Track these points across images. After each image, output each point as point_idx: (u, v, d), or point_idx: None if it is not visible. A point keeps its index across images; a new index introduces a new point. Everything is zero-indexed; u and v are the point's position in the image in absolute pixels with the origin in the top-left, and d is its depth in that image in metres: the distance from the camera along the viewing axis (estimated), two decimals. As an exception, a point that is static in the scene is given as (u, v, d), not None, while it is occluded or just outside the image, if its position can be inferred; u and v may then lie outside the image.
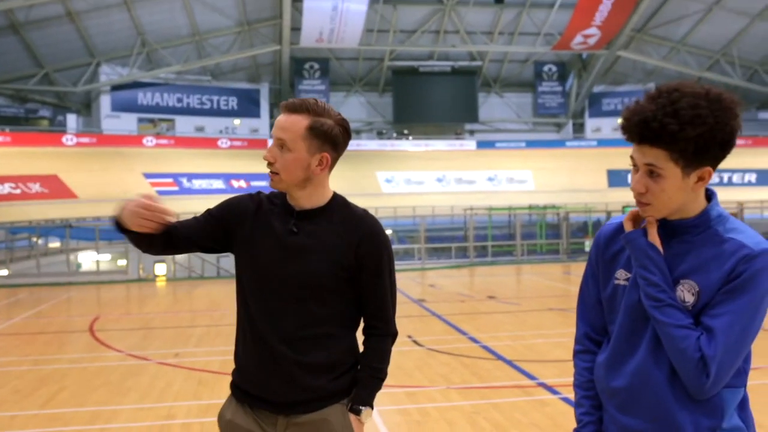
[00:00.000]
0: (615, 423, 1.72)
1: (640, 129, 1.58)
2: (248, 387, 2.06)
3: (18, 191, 34.15)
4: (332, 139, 2.01)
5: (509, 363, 7.04)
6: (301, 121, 1.97)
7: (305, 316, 2.00)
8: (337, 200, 2.09)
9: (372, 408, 2.06)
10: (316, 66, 46.44)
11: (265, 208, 2.09)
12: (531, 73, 49.27)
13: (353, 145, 46.22)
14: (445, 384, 6.22)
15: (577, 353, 1.87)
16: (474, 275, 16.57)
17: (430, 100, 47.75)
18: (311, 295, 2.00)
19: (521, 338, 8.41)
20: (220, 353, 7.73)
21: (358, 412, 2.03)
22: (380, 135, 49.12)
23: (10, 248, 20.44)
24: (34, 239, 21.43)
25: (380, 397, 5.61)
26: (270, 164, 2.00)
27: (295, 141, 1.97)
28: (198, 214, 2.13)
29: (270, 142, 2.25)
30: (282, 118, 2.01)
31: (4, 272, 18.08)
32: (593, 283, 1.84)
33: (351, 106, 48.98)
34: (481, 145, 48.63)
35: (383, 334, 2.10)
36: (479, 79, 48.55)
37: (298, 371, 1.99)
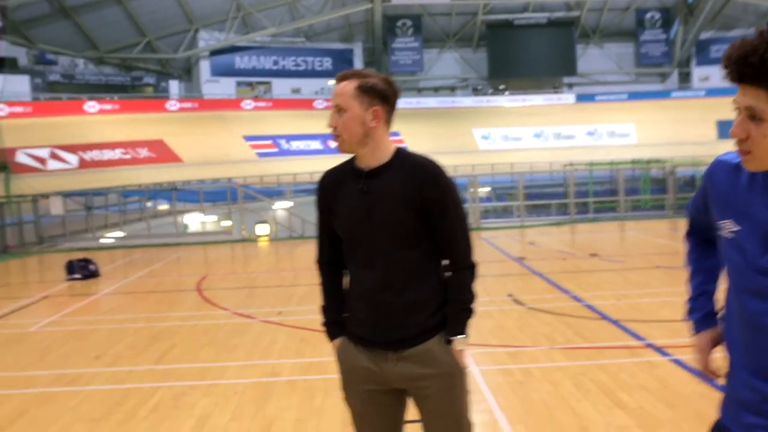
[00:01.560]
0: (736, 377, 1.63)
1: (739, 66, 1.41)
2: (360, 331, 2.38)
3: (128, 156, 35.79)
4: (380, 92, 2.27)
5: (614, 323, 6.82)
6: (350, 84, 2.27)
7: (392, 264, 2.29)
8: (400, 153, 2.33)
9: (465, 335, 2.34)
10: (409, 23, 45.96)
11: (334, 181, 2.40)
12: (632, 21, 47.10)
13: (448, 102, 46.33)
14: (548, 344, 6.09)
15: (687, 234, 1.94)
16: (575, 232, 16.16)
17: (526, 53, 46.54)
18: (392, 244, 2.28)
19: (626, 297, 8.14)
20: (322, 312, 7.82)
21: (450, 342, 2.33)
22: (475, 91, 48.36)
23: (123, 211, 21.54)
24: (145, 202, 22.48)
25: (481, 357, 5.61)
26: (334, 129, 2.29)
27: (347, 101, 2.25)
28: (319, 225, 2.53)
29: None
30: (336, 87, 2.30)
31: (120, 234, 19.08)
32: (702, 205, 1.77)
33: (445, 63, 48.36)
34: (581, 98, 47.15)
35: (459, 267, 2.35)
36: (577, 30, 46.85)
37: (397, 312, 2.30)
